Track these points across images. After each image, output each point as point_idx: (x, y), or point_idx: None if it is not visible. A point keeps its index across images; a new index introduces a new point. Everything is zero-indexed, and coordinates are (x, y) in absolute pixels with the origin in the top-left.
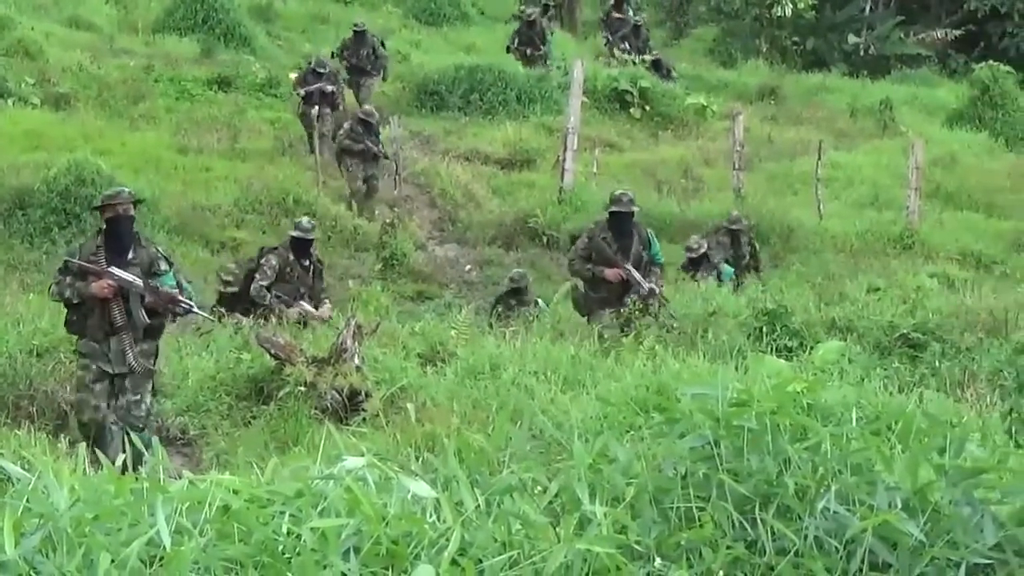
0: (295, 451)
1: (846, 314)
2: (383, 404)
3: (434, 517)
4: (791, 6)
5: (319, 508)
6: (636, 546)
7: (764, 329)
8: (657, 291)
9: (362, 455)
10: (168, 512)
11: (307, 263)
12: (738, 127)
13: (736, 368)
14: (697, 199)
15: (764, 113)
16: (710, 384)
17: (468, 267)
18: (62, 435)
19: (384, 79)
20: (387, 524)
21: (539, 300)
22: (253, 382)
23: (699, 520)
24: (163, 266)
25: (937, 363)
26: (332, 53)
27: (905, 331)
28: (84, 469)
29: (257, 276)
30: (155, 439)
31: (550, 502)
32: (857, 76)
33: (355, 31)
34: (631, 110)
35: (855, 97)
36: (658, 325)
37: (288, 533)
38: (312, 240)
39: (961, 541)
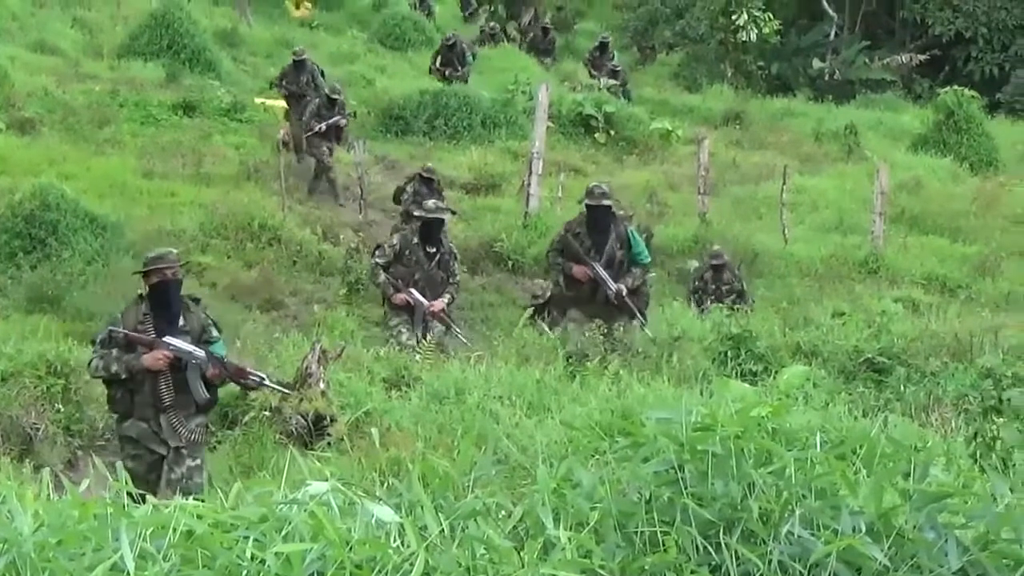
0: (259, 476)
1: (811, 338)
2: (348, 429)
3: (398, 542)
4: (756, 31)
5: (283, 533)
6: (600, 571)
7: (729, 353)
8: (624, 292)
9: (326, 480)
10: (132, 537)
11: (432, 250)
12: (703, 151)
13: (701, 392)
14: (662, 223)
15: (729, 137)
16: (675, 408)
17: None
18: (27, 460)
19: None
20: (351, 549)
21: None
22: (218, 407)
23: (663, 545)
24: (215, 333)
25: (902, 387)
26: (271, 83)
27: (870, 355)
28: (48, 494)
29: (376, 252)
30: (119, 463)
31: (514, 527)
32: (822, 101)
33: (295, 60)
34: (596, 135)
35: (820, 122)
36: (616, 341)
37: (252, 558)
38: (437, 221)
39: (925, 565)
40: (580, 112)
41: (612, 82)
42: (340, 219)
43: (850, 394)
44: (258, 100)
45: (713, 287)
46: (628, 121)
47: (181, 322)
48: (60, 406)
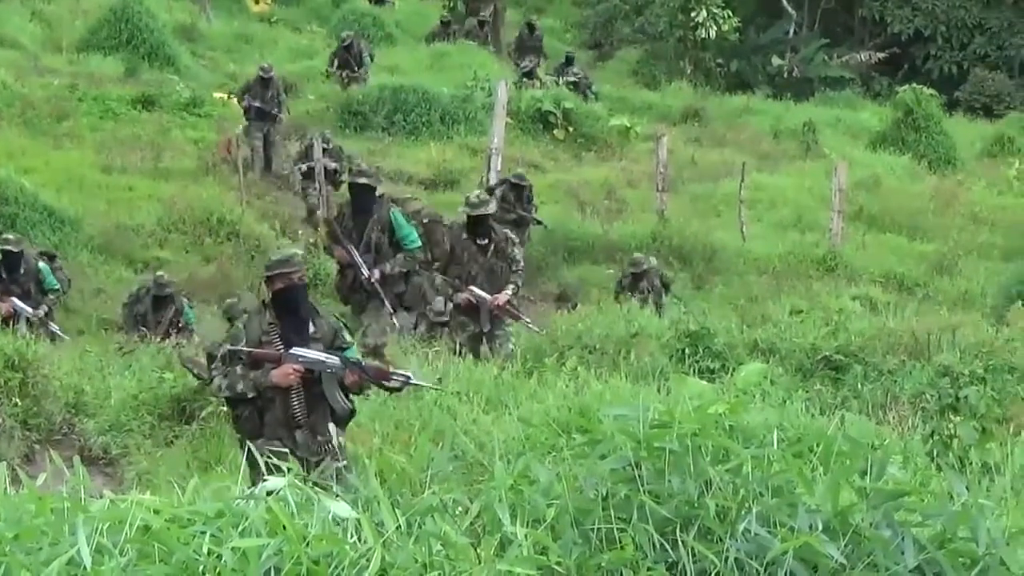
0: (217, 471)
1: (768, 336)
2: None
3: (355, 537)
4: (715, 28)
5: (240, 528)
6: (557, 568)
7: (687, 351)
8: (377, 277)
9: (283, 475)
10: (89, 532)
11: (484, 241)
12: (662, 149)
13: (658, 389)
14: (620, 220)
15: (688, 135)
16: (632, 405)
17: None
18: None
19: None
20: (308, 544)
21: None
22: (176, 402)
23: (620, 542)
24: (347, 338)
25: (859, 385)
26: (231, 94)
27: (827, 353)
28: (5, 489)
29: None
30: (76, 458)
31: (471, 523)
32: (781, 98)
33: (262, 76)
34: (555, 131)
35: (779, 119)
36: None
37: (209, 553)
38: (486, 216)
39: (882, 564)
40: (539, 108)
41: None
42: (299, 214)
43: (807, 392)
44: (217, 95)
45: (630, 293)
46: (587, 118)
47: (311, 329)
48: (17, 400)
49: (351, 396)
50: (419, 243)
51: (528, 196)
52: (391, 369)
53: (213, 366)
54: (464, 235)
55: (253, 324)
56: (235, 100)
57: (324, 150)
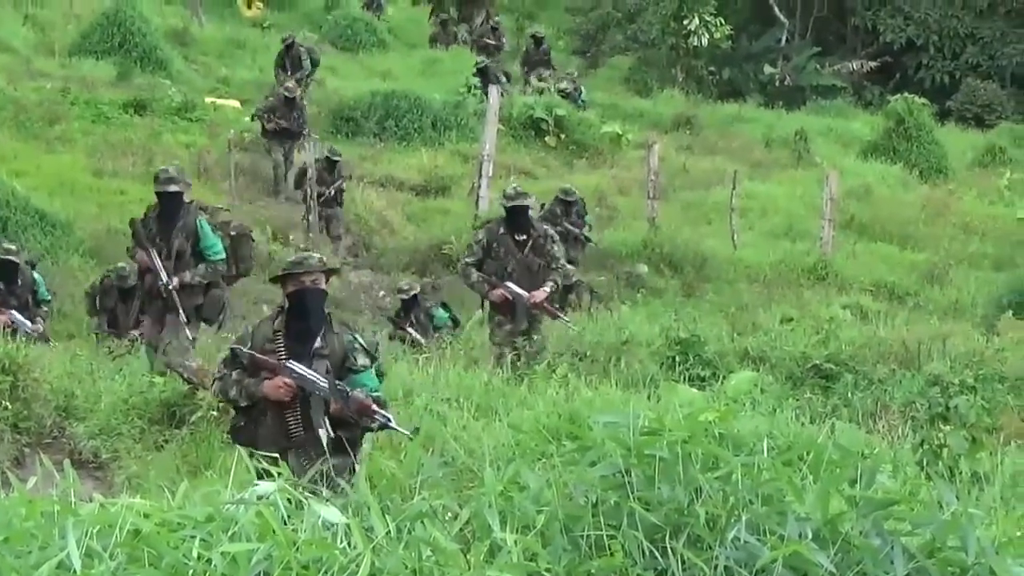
0: (207, 475)
1: (759, 344)
2: None
3: (345, 543)
4: (707, 36)
5: (230, 533)
6: (546, 574)
7: (677, 358)
8: (175, 285)
9: (273, 480)
10: (79, 535)
11: (523, 237)
12: (653, 156)
13: (648, 397)
14: (611, 228)
15: (679, 142)
16: (622, 413)
17: (382, 293)
18: None
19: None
20: (298, 549)
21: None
22: (166, 406)
23: (609, 549)
24: (361, 360)
25: (849, 394)
26: (253, 115)
27: (818, 362)
28: None
29: (464, 254)
30: (66, 462)
31: (461, 529)
32: (773, 107)
33: (287, 96)
34: (546, 138)
35: (770, 127)
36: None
37: (198, 557)
38: (523, 208)
39: (871, 572)
40: (531, 115)
41: (562, 84)
42: (290, 219)
43: (797, 400)
44: (208, 99)
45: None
46: (578, 125)
47: (319, 343)
48: (7, 403)
49: (344, 425)
50: (223, 255)
51: (579, 211)
52: (374, 408)
53: (217, 368)
54: (501, 230)
55: (262, 328)
56: (257, 120)
57: (334, 163)
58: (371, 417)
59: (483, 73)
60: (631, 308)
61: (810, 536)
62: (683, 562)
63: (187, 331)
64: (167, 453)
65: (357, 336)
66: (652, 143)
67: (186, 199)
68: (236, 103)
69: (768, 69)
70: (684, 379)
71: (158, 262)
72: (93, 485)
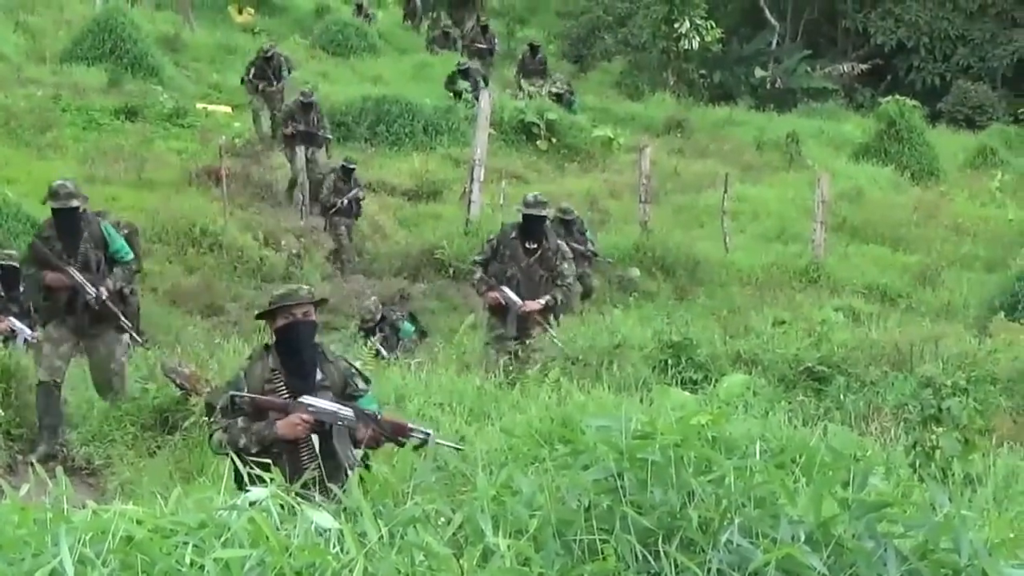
0: (200, 481)
1: (751, 347)
2: None
3: (337, 548)
4: (698, 39)
5: (223, 539)
6: None
7: (669, 361)
8: (105, 296)
9: (266, 486)
10: (71, 542)
11: (533, 246)
12: (645, 160)
13: (641, 400)
14: (603, 231)
15: (671, 146)
16: (614, 416)
17: (374, 299)
18: None
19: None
20: (290, 555)
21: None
22: (158, 412)
23: (602, 553)
24: (361, 385)
25: (842, 396)
26: (272, 123)
27: (810, 364)
28: None
29: (476, 251)
30: (59, 468)
31: (454, 534)
32: (764, 109)
33: (303, 101)
34: (538, 142)
35: (762, 130)
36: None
37: (191, 564)
38: (538, 217)
39: (864, 575)
40: (522, 120)
41: (554, 88)
42: (282, 225)
43: (790, 403)
44: (200, 105)
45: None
46: (570, 129)
47: (319, 376)
48: (0, 411)
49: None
50: (132, 254)
51: (580, 229)
52: (410, 426)
53: (212, 419)
54: (513, 235)
55: (255, 370)
56: (281, 128)
57: (350, 172)
58: (409, 436)
59: (464, 75)
60: (623, 312)
61: (803, 539)
62: (676, 566)
63: (129, 336)
64: (160, 459)
65: (351, 361)
66: (643, 146)
67: (81, 209)
68: (228, 109)
69: (759, 72)
70: (676, 382)
71: (79, 277)
72: (86, 492)
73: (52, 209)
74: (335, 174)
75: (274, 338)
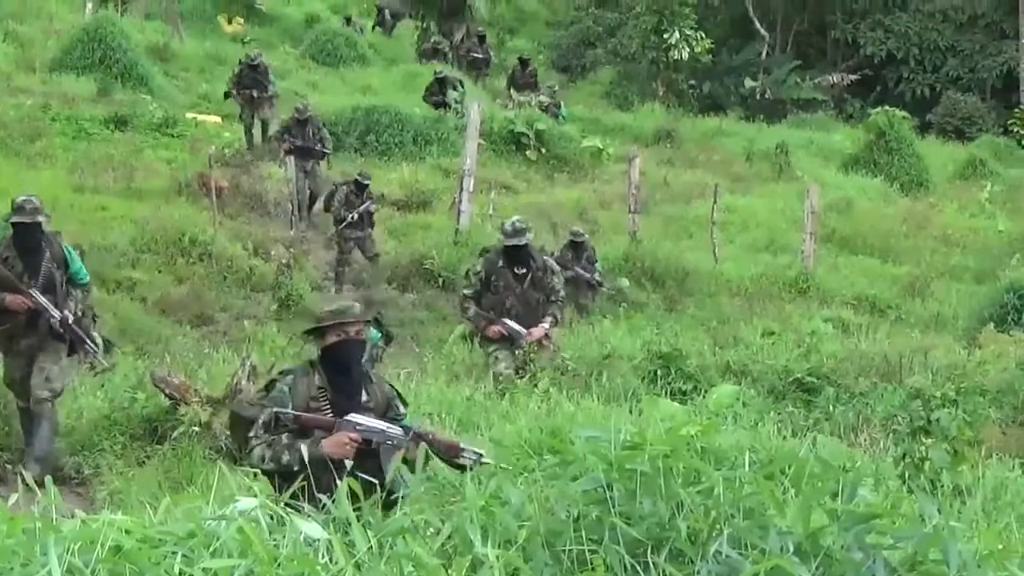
0: (189, 491)
1: (741, 358)
2: None
3: (327, 558)
4: (688, 50)
5: (211, 548)
6: None
7: (659, 372)
8: (70, 319)
9: (255, 496)
10: (60, 552)
11: (522, 271)
12: (634, 170)
13: (630, 411)
14: (593, 242)
15: (660, 156)
16: (604, 427)
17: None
18: None
19: (329, 163)
20: (279, 565)
21: None
22: (148, 422)
23: (591, 563)
24: (402, 409)
25: (831, 407)
26: (271, 136)
27: (799, 375)
28: None
29: (463, 284)
30: (48, 478)
31: (443, 544)
32: (753, 120)
33: (298, 118)
34: (527, 152)
35: (751, 141)
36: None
37: (180, 574)
38: (520, 245)
39: None
40: (511, 130)
41: (541, 98)
42: (271, 235)
43: (779, 414)
44: (189, 115)
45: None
46: (559, 139)
47: (364, 396)
48: None
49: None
50: (87, 276)
51: (590, 258)
52: (462, 445)
53: (252, 433)
54: (500, 263)
55: (299, 386)
56: (277, 145)
57: (364, 186)
58: (460, 455)
59: (441, 83)
60: (613, 322)
61: (792, 550)
62: None
63: (100, 358)
64: (149, 469)
65: (391, 384)
66: (633, 157)
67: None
68: (217, 118)
69: (749, 83)
70: (666, 393)
71: (42, 299)
72: (75, 501)
73: (14, 224)
74: (348, 187)
75: (321, 355)
